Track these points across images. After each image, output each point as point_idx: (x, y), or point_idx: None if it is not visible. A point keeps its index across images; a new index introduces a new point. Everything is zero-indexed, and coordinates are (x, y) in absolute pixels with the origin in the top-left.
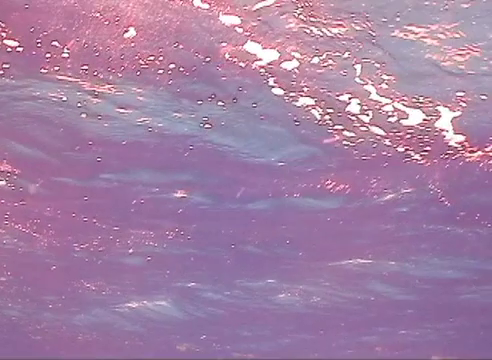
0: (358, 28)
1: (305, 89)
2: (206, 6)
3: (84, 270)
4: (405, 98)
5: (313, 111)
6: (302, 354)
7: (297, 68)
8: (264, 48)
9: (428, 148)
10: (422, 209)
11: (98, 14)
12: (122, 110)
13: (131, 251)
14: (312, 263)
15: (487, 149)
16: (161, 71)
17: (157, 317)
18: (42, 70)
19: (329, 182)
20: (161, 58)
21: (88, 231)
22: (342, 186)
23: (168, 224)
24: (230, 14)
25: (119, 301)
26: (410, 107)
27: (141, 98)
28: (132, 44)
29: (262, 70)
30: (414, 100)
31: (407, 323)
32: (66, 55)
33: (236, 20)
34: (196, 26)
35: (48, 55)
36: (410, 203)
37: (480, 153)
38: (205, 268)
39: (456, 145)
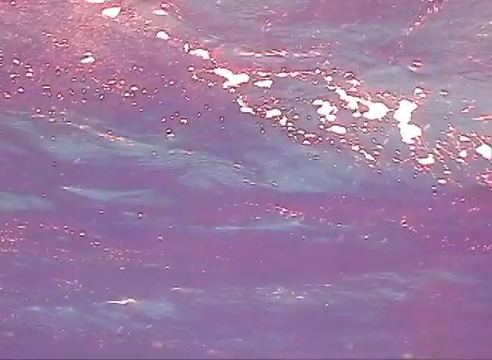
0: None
1: (275, 102)
2: (165, 37)
3: (58, 269)
4: (369, 94)
5: (281, 121)
6: (277, 353)
7: (269, 85)
8: (235, 73)
9: (380, 147)
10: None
11: (53, 38)
12: (85, 126)
13: (102, 263)
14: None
15: (437, 151)
16: (125, 94)
17: (134, 315)
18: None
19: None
20: (122, 82)
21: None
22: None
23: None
24: (197, 48)
25: (96, 299)
26: (373, 101)
27: (103, 119)
28: (90, 70)
29: (232, 90)
30: (378, 95)
31: (379, 323)
32: (30, 74)
33: (203, 53)
34: (160, 55)
35: (12, 75)
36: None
37: (432, 159)
38: (181, 275)
39: (410, 141)
